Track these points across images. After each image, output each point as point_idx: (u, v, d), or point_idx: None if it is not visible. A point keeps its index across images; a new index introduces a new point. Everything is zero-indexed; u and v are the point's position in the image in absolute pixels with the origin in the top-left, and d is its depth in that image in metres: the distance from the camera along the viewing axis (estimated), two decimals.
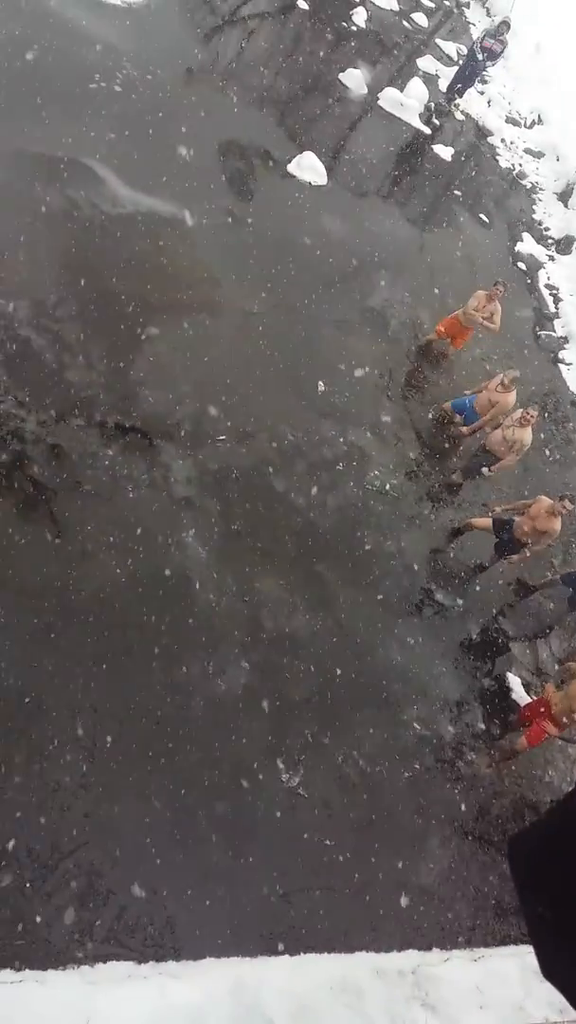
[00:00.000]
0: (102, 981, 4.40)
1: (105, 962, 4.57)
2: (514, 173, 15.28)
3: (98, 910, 4.83)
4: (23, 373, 6.85)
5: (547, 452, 10.29)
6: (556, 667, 7.95)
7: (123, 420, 7.08)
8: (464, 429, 8.86)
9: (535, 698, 7.21)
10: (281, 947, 5.17)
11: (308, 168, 11.00)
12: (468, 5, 18.67)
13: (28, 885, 4.74)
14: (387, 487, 8.25)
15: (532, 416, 8.01)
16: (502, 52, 14.35)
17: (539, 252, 13.49)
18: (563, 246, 13.91)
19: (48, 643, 5.65)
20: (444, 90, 15.23)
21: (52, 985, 4.27)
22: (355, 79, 13.52)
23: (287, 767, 5.98)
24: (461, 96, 15.26)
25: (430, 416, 9.25)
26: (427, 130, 14.18)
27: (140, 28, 11.07)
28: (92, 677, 5.65)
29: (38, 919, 4.66)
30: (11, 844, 4.83)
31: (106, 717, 5.53)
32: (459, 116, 15.39)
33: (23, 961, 4.42)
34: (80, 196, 8.48)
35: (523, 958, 5.62)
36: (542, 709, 6.65)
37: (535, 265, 13.20)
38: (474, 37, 15.40)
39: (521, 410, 8.13)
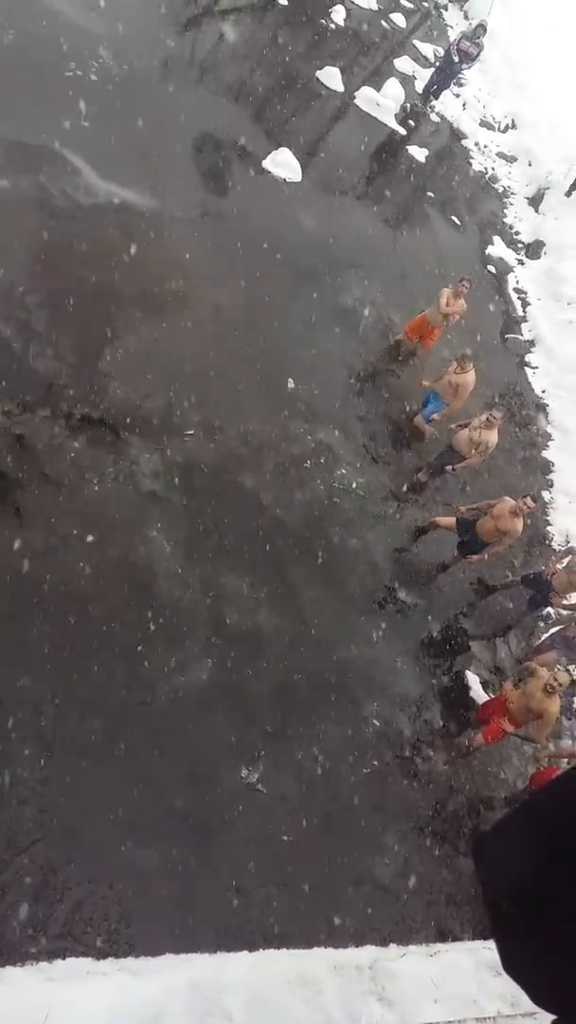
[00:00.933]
0: (61, 977, 4.38)
1: (63, 958, 4.55)
2: (487, 176, 15.42)
3: (53, 906, 4.80)
4: None
5: (512, 454, 10.42)
6: (514, 666, 8.08)
7: (90, 412, 7.02)
8: (436, 416, 8.87)
9: (493, 696, 7.32)
10: (239, 943, 5.19)
11: (283, 164, 11.00)
12: (446, 7, 18.79)
13: None
14: (353, 485, 8.30)
15: (497, 418, 8.11)
16: (478, 55, 14.48)
17: (509, 256, 13.65)
18: (532, 250, 14.08)
19: (9, 635, 5.60)
20: (420, 91, 15.32)
21: (10, 981, 4.25)
22: (332, 77, 13.53)
23: (247, 762, 6.00)
24: (437, 98, 15.37)
25: (401, 429, 9.30)
26: (402, 131, 14.25)
27: (118, 17, 10.95)
28: (53, 671, 5.60)
29: None
30: None
31: (66, 711, 5.49)
32: (434, 118, 15.49)
33: None
34: (53, 185, 8.37)
35: (477, 953, 5.71)
36: (499, 707, 6.75)
37: (505, 269, 13.35)
38: (451, 39, 15.50)
39: (487, 413, 8.22)
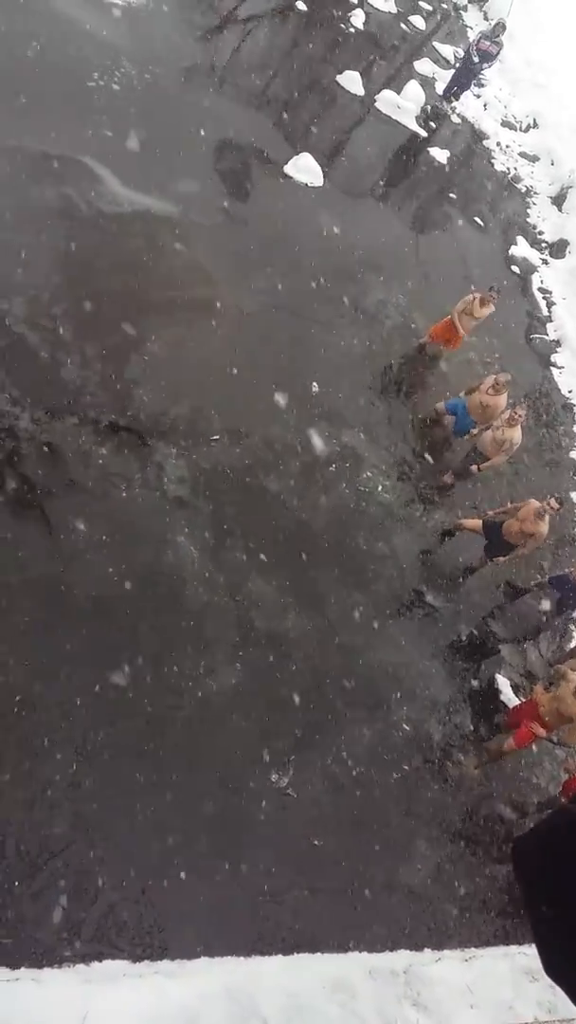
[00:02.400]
0: (98, 980, 4.40)
1: (100, 960, 4.57)
2: (509, 176, 15.33)
3: (86, 909, 4.83)
4: (17, 370, 6.84)
5: (539, 455, 10.34)
6: (545, 669, 7.99)
7: (117, 419, 7.08)
8: (474, 431, 8.73)
9: (523, 700, 7.25)
10: (270, 947, 5.18)
11: (304, 169, 11.01)
12: (465, 8, 18.72)
13: (16, 883, 4.73)
14: (379, 488, 8.28)
15: (520, 415, 8.05)
16: (498, 54, 14.41)
17: (533, 256, 13.54)
18: (556, 250, 13.97)
19: (39, 641, 5.65)
20: (441, 93, 15.28)
21: (48, 984, 4.28)
22: (352, 81, 13.53)
23: (276, 767, 5.99)
24: (457, 99, 15.30)
25: (421, 417, 9.27)
26: (423, 133, 14.21)
27: (139, 27, 11.05)
28: (83, 676, 5.64)
29: (27, 917, 4.65)
30: (0, 842, 4.82)
31: (97, 716, 5.53)
32: (455, 119, 15.43)
33: (13, 960, 4.42)
34: (77, 194, 8.46)
35: (513, 958, 5.66)
36: (531, 711, 6.69)
37: (529, 269, 13.25)
38: (471, 39, 15.44)
39: (509, 410, 8.17)
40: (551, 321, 12.55)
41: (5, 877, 4.72)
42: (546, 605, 8.53)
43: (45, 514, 6.26)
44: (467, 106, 15.83)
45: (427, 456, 8.97)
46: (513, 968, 5.59)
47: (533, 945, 5.68)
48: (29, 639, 5.62)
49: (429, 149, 14.03)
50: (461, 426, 8.83)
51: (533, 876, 1.92)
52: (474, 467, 8.43)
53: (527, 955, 5.67)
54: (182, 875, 5.20)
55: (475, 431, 8.72)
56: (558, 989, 5.35)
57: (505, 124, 16.63)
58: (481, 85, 16.27)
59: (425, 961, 5.49)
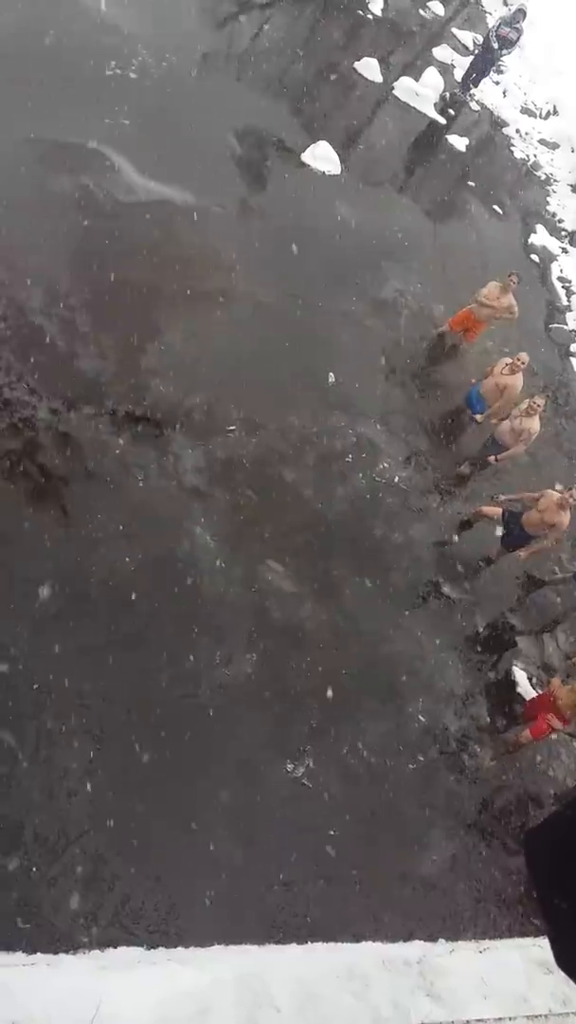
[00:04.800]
0: (113, 965, 4.44)
1: (115, 947, 4.61)
2: (528, 164, 15.18)
3: (103, 895, 4.86)
4: (35, 361, 6.85)
5: (558, 446, 10.25)
6: (562, 662, 7.95)
7: (133, 409, 7.08)
8: (479, 417, 8.77)
9: (541, 692, 7.22)
10: (284, 936, 5.20)
11: (322, 158, 10.95)
12: None
13: (34, 870, 4.77)
14: (396, 479, 8.24)
15: (538, 405, 8.00)
16: (518, 40, 14.23)
17: (552, 244, 13.41)
18: None
19: (57, 630, 5.67)
20: (459, 80, 15.13)
21: (64, 969, 4.32)
22: (370, 68, 13.42)
23: (292, 757, 6.00)
24: (476, 86, 15.15)
25: (442, 411, 9.22)
26: (442, 120, 14.09)
27: (156, 15, 11.01)
28: (100, 665, 5.67)
29: (43, 904, 4.69)
30: (18, 829, 4.86)
31: (114, 704, 5.56)
32: (474, 106, 15.28)
33: (31, 945, 4.46)
34: (94, 183, 8.46)
35: (527, 950, 5.65)
36: (547, 703, 6.66)
37: (548, 257, 13.12)
38: (490, 26, 15.26)
39: (528, 400, 8.11)
40: (570, 310, 12.44)
41: (23, 864, 4.76)
42: (565, 598, 8.48)
43: (62, 504, 6.28)
44: (486, 93, 15.68)
45: (444, 447, 8.91)
46: (527, 960, 5.58)
47: (547, 937, 5.68)
48: (47, 628, 5.65)
49: (447, 137, 13.91)
50: (476, 410, 8.82)
51: (546, 868, 1.91)
52: (492, 457, 8.38)
53: (541, 947, 5.65)
54: (197, 863, 5.22)
55: (480, 418, 8.69)
56: (572, 982, 5.35)
57: (525, 111, 16.45)
58: (500, 72, 16.10)
59: (439, 952, 5.50)
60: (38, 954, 4.43)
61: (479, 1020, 5.16)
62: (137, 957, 4.59)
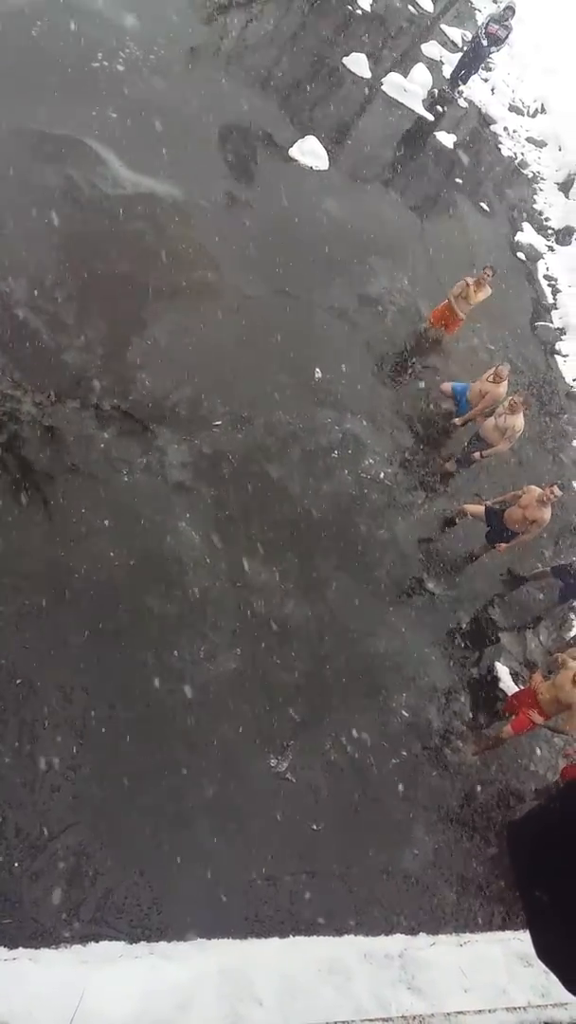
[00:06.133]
0: (95, 960, 4.45)
1: (98, 941, 4.61)
2: (516, 162, 15.23)
3: (85, 890, 4.87)
4: (19, 354, 6.82)
5: (542, 444, 10.31)
6: (544, 657, 8.01)
7: (119, 403, 7.06)
8: (457, 421, 8.89)
9: (522, 687, 7.27)
10: (267, 930, 5.22)
11: (310, 152, 10.94)
12: None
13: (16, 865, 4.77)
14: (381, 475, 8.26)
15: (520, 402, 8.06)
16: (506, 38, 14.28)
17: (539, 242, 13.47)
18: (563, 236, 13.89)
19: (40, 625, 5.66)
20: (448, 76, 15.14)
21: (46, 963, 4.32)
22: (359, 63, 13.42)
23: (276, 752, 6.02)
24: (465, 83, 15.18)
25: (424, 397, 9.25)
26: (430, 116, 14.10)
27: (145, 7, 10.94)
28: (84, 659, 5.66)
29: (25, 898, 4.69)
30: (0, 823, 4.86)
31: (97, 699, 5.55)
32: (462, 103, 15.30)
33: (12, 940, 4.46)
34: (80, 176, 8.41)
35: (508, 943, 5.69)
36: (529, 698, 6.71)
37: (534, 255, 13.18)
38: (479, 23, 15.29)
39: (510, 397, 8.17)
40: (556, 309, 12.50)
41: (5, 858, 4.75)
42: (547, 593, 8.55)
43: (46, 498, 6.26)
44: (474, 90, 15.71)
45: (429, 443, 8.95)
46: (507, 953, 5.62)
47: (527, 931, 5.73)
48: (30, 623, 5.64)
49: (436, 133, 13.93)
50: (462, 410, 8.87)
51: (527, 862, 1.94)
52: (476, 454, 8.43)
53: (521, 940, 5.70)
54: (180, 858, 5.23)
55: (459, 421, 8.79)
56: (551, 974, 5.40)
57: (513, 109, 16.50)
58: (489, 69, 16.13)
59: (420, 945, 5.54)
60: (20, 948, 4.43)
61: (460, 1012, 5.21)
62: (119, 951, 4.60)
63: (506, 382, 8.49)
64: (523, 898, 1.84)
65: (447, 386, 9.14)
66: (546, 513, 7.49)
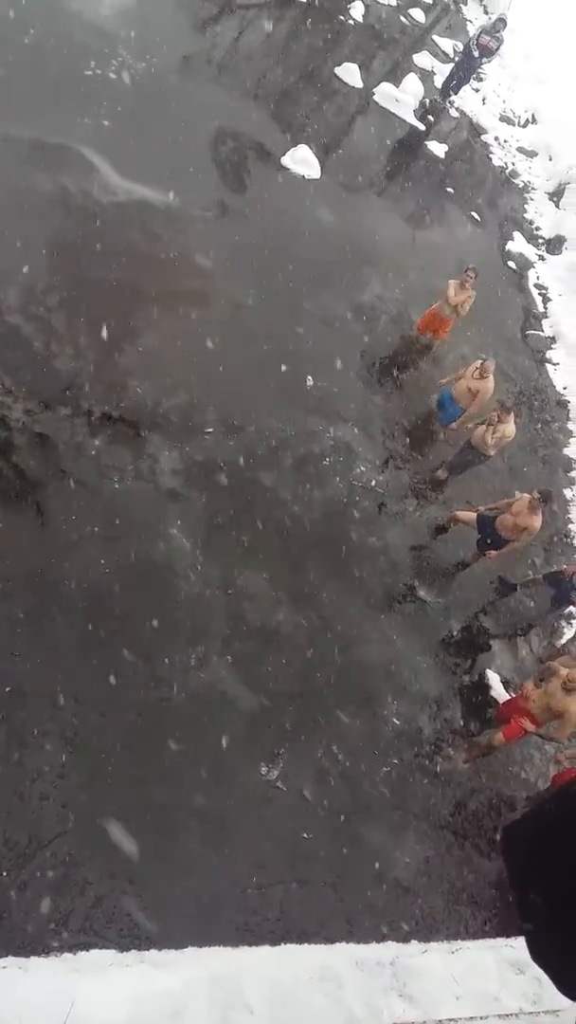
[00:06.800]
0: (85, 968, 4.42)
1: (88, 950, 4.59)
2: (507, 172, 15.32)
3: (74, 900, 4.84)
4: (11, 360, 6.82)
5: (533, 452, 10.35)
6: (535, 665, 8.02)
7: (110, 410, 7.06)
8: (454, 425, 8.85)
9: (513, 695, 7.28)
10: (258, 938, 5.20)
11: (301, 161, 10.99)
12: (465, 2, 18.69)
13: (4, 874, 4.74)
14: (372, 483, 8.28)
15: (508, 409, 8.09)
16: (498, 49, 14.39)
17: (529, 251, 13.55)
18: (553, 246, 13.97)
19: (30, 632, 5.64)
20: (439, 87, 15.25)
21: (35, 972, 4.29)
22: (351, 73, 13.50)
23: (266, 760, 6.01)
24: (456, 93, 15.29)
25: (416, 413, 9.28)
26: (421, 126, 14.19)
27: (137, 15, 11.00)
28: (74, 667, 5.64)
29: (14, 908, 4.66)
30: None
31: (87, 707, 5.53)
32: (454, 113, 15.41)
33: (1, 948, 4.43)
34: (72, 184, 8.43)
35: (499, 951, 5.69)
36: (520, 706, 6.72)
37: (525, 264, 13.25)
38: (471, 34, 15.41)
39: (496, 409, 8.20)
40: (546, 317, 12.56)
41: None
42: (538, 601, 8.56)
43: (37, 505, 6.25)
44: (466, 100, 15.83)
45: (420, 451, 8.97)
46: (499, 960, 5.62)
47: (519, 938, 5.72)
48: (20, 630, 5.62)
49: (427, 143, 14.02)
50: (449, 416, 8.87)
51: (522, 862, 1.93)
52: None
53: (513, 947, 5.71)
54: (171, 866, 5.21)
55: (455, 425, 8.78)
56: (543, 981, 5.38)
57: (503, 119, 16.62)
58: (480, 79, 16.25)
59: (412, 953, 5.52)
60: (9, 957, 4.40)
61: (451, 1020, 5.20)
62: (109, 959, 4.57)
63: (491, 377, 8.49)
64: (518, 898, 1.84)
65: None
66: (537, 520, 7.51)
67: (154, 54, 10.62)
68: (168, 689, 5.93)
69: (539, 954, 1.81)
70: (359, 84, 13.58)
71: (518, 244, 13.51)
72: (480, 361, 8.54)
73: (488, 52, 14.29)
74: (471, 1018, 5.24)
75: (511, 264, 13.15)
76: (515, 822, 2.09)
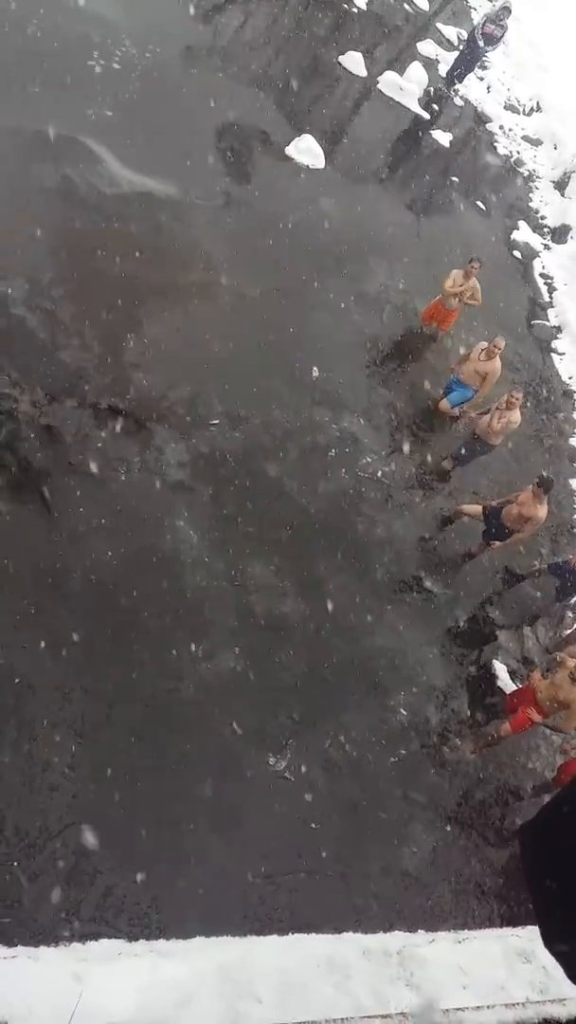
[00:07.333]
0: (94, 958, 4.44)
1: (97, 940, 4.61)
2: (512, 160, 15.23)
3: (84, 889, 4.87)
4: (17, 353, 6.81)
5: (539, 442, 10.32)
6: (542, 655, 8.02)
7: (116, 402, 7.06)
8: (465, 406, 8.80)
9: (520, 686, 7.28)
10: (266, 928, 5.22)
11: (306, 151, 10.94)
12: None
13: (15, 864, 4.77)
14: (379, 474, 8.27)
15: (516, 398, 8.06)
16: (502, 37, 14.28)
17: (535, 241, 13.48)
18: (559, 235, 13.90)
19: (38, 624, 5.66)
20: (444, 75, 15.15)
21: (45, 961, 4.31)
22: (355, 62, 13.42)
23: (274, 751, 6.02)
24: (461, 81, 15.18)
25: (423, 406, 9.25)
26: (426, 115, 14.11)
27: (140, 5, 10.94)
28: (82, 659, 5.66)
29: (25, 898, 4.69)
30: None
31: (96, 699, 5.55)
32: (458, 102, 15.32)
33: (9, 939, 4.46)
34: (77, 175, 8.40)
35: (506, 940, 5.70)
36: (527, 696, 6.72)
37: (530, 254, 13.19)
38: (475, 22, 15.29)
39: (505, 395, 8.16)
40: (552, 307, 12.51)
41: (4, 857, 4.75)
42: (544, 592, 8.55)
43: (44, 497, 6.25)
44: (470, 89, 15.72)
45: (426, 442, 8.95)
46: (506, 949, 5.63)
47: (526, 927, 5.75)
48: (28, 622, 5.63)
49: (431, 132, 13.94)
50: (459, 398, 8.84)
51: (540, 849, 1.95)
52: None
53: (520, 937, 5.72)
54: (179, 857, 5.24)
55: (467, 406, 8.73)
56: (550, 970, 5.40)
57: (508, 107, 16.51)
58: (484, 68, 16.13)
59: (419, 942, 5.54)
60: (19, 947, 4.42)
61: (458, 1008, 5.21)
62: (118, 949, 4.60)
63: (498, 358, 8.45)
64: (531, 884, 1.86)
65: (444, 404, 9.07)
66: (542, 511, 7.50)
67: (157, 44, 10.57)
68: (176, 680, 5.94)
69: (552, 940, 1.82)
70: (363, 73, 13.49)
71: (523, 233, 13.44)
72: (486, 343, 8.51)
73: (493, 40, 14.18)
74: (478, 1007, 5.26)
75: (516, 253, 13.09)
76: (537, 814, 2.10)
